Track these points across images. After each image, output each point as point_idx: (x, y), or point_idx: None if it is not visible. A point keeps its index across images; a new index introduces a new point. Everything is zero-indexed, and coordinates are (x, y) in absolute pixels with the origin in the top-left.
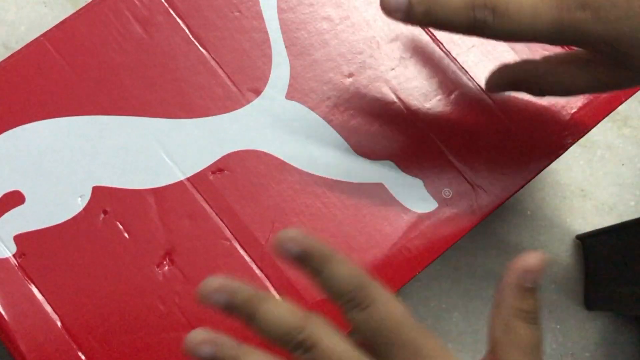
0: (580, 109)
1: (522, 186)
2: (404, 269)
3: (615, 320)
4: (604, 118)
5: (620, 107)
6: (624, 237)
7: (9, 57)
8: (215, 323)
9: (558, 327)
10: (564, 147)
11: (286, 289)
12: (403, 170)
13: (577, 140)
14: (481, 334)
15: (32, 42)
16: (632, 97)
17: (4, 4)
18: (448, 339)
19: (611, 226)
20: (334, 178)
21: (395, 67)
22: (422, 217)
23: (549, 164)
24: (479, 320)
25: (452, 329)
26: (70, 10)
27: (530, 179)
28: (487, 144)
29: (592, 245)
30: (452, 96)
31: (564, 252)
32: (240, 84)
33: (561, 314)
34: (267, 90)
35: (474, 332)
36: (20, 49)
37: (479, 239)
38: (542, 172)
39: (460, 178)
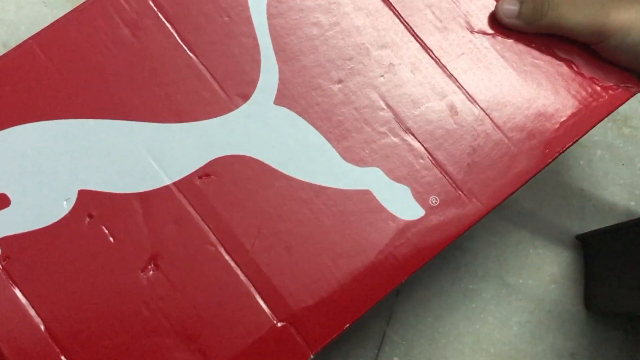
0: (569, 117)
1: (510, 194)
2: (390, 276)
3: (615, 320)
4: (592, 128)
5: (620, 107)
6: (624, 237)
7: None
8: (198, 328)
9: (558, 327)
10: (552, 156)
11: (271, 295)
12: (390, 178)
13: (565, 149)
14: (481, 334)
15: (20, 44)
16: (633, 97)
17: (4, 4)
18: (448, 339)
19: (611, 226)
20: (321, 184)
21: (385, 74)
22: (408, 225)
23: (537, 172)
24: (479, 320)
25: (452, 329)
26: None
27: (519, 187)
28: (476, 151)
29: (592, 245)
30: (441, 103)
31: (564, 252)
32: (229, 89)
33: (561, 314)
34: (256, 96)
35: (474, 331)
36: (8, 52)
37: (479, 239)
38: (542, 172)
39: (447, 186)
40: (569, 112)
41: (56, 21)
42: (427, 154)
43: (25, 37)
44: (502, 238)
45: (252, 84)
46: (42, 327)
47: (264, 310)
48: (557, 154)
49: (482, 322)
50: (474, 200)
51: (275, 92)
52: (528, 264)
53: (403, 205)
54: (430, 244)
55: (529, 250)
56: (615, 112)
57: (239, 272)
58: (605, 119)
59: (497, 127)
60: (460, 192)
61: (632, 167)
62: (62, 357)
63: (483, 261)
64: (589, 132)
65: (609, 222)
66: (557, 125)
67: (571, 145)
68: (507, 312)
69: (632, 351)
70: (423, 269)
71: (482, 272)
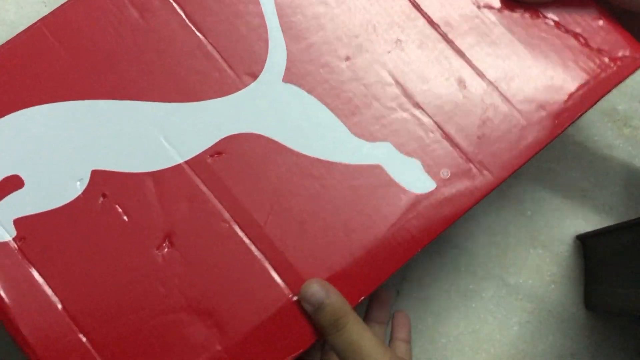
0: (578, 88)
1: (521, 165)
2: (402, 250)
3: (615, 320)
4: (600, 98)
5: (620, 107)
6: (624, 237)
7: (5, 43)
8: (214, 304)
9: (558, 327)
10: (562, 127)
11: (286, 270)
12: (400, 152)
13: (574, 120)
14: (481, 334)
15: (28, 27)
16: (633, 97)
17: (4, 4)
18: (448, 339)
19: (611, 226)
20: (332, 160)
21: (392, 50)
22: (420, 198)
23: (547, 144)
24: (479, 320)
25: (452, 329)
26: None
27: (529, 159)
28: (485, 124)
29: (592, 245)
30: (449, 78)
31: (564, 252)
32: (237, 68)
33: (561, 314)
34: (264, 74)
35: (474, 332)
36: (17, 34)
37: (479, 239)
38: (542, 172)
39: (458, 158)
40: (577, 84)
41: (64, 4)
42: (437, 128)
43: None
44: (502, 238)
45: (260, 62)
46: (60, 306)
47: (279, 285)
48: (566, 125)
49: (482, 322)
50: (485, 172)
51: (283, 70)
52: (528, 264)
53: (414, 179)
54: (442, 217)
55: (529, 250)
56: (615, 112)
57: (252, 247)
58: (605, 119)
59: (506, 99)
60: (471, 165)
61: (632, 167)
62: (80, 335)
63: (483, 261)
64: (589, 133)
65: (609, 222)
66: (566, 97)
67: (580, 116)
68: (507, 312)
69: (632, 351)
70: (423, 269)
71: (482, 272)
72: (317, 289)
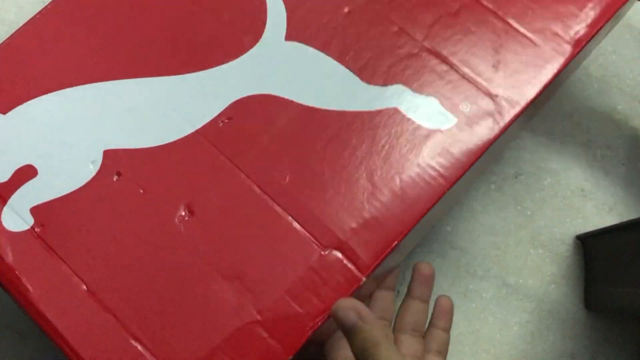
0: (589, 9)
1: (542, 91)
2: (432, 188)
3: (615, 320)
4: (611, 16)
5: (620, 107)
6: (624, 237)
7: (7, 39)
8: (243, 268)
9: (558, 327)
10: (578, 47)
11: (313, 224)
12: (416, 91)
13: (589, 40)
14: (481, 334)
15: (27, 22)
16: (633, 97)
17: (4, 4)
18: None
19: (611, 226)
20: (347, 109)
21: None
22: (442, 134)
23: (565, 66)
24: (479, 320)
25: (452, 329)
26: None
27: (548, 84)
28: (499, 52)
29: (592, 245)
30: (455, 12)
31: (564, 252)
32: (238, 33)
33: (561, 314)
34: (266, 36)
35: (474, 332)
36: (19, 27)
37: (479, 239)
38: (542, 172)
39: (476, 90)
40: (587, 4)
41: None
42: (450, 62)
43: None
44: (502, 238)
45: (260, 24)
46: (84, 288)
47: (308, 240)
48: (582, 46)
49: (482, 322)
50: (505, 101)
51: (284, 29)
52: (528, 264)
53: (434, 116)
54: (468, 150)
55: (529, 250)
56: (615, 111)
57: (275, 206)
58: (605, 119)
59: (517, 26)
60: (490, 94)
61: (632, 167)
62: (108, 315)
63: (483, 261)
64: (589, 133)
65: (609, 222)
66: (579, 18)
67: (594, 35)
68: (507, 312)
69: (632, 351)
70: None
71: (482, 272)
72: (347, 312)
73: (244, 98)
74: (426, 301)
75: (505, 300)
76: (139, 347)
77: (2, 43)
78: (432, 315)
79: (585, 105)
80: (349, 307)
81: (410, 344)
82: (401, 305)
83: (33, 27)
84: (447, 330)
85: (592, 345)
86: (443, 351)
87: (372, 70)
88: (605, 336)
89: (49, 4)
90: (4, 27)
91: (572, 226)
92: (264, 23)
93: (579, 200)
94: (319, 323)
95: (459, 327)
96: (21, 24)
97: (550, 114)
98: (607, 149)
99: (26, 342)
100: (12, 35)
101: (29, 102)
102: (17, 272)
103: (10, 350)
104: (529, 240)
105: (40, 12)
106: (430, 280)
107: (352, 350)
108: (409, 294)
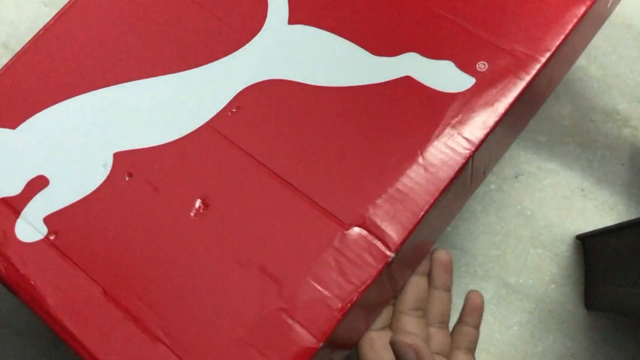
0: None
1: (562, 42)
2: (457, 153)
3: (615, 320)
4: None
5: (620, 107)
6: (624, 237)
7: (14, 57)
8: (264, 257)
9: (558, 327)
10: None
11: (333, 203)
12: (429, 57)
13: None
14: (481, 334)
15: (32, 39)
16: (633, 97)
17: (4, 4)
18: None
19: (611, 226)
20: (359, 84)
21: None
22: (461, 96)
23: (584, 14)
24: None
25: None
26: None
27: (568, 34)
28: (507, 5)
29: (592, 245)
30: None
31: (564, 252)
32: (240, 23)
33: (561, 314)
34: (269, 21)
35: None
36: (24, 46)
37: (479, 239)
38: (542, 172)
39: (491, 47)
40: None
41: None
42: (460, 22)
43: (25, 37)
44: (502, 238)
45: (261, 11)
46: (101, 292)
47: (328, 220)
48: None
49: (482, 322)
50: (523, 54)
51: (287, 13)
52: (528, 264)
53: (450, 80)
54: (491, 110)
55: (529, 250)
56: (615, 112)
57: (291, 190)
58: (606, 119)
59: None
60: (505, 49)
61: (632, 167)
62: (127, 317)
63: (483, 261)
64: (589, 133)
65: (609, 222)
66: None
67: None
68: (507, 312)
69: (633, 351)
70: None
71: (482, 272)
72: (405, 349)
73: (252, 85)
74: (449, 289)
75: (505, 300)
76: (162, 348)
77: (9, 62)
78: (463, 311)
79: (585, 105)
80: (408, 343)
81: (439, 338)
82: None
83: (36, 44)
84: (477, 327)
85: (592, 345)
86: (472, 349)
87: (380, 41)
88: (605, 336)
89: (51, 19)
90: (4, 27)
91: (572, 226)
92: (266, 9)
93: (579, 200)
94: (348, 305)
95: None
96: (21, 24)
97: (550, 114)
98: (607, 149)
99: (26, 342)
100: (17, 54)
101: (36, 115)
102: (32, 282)
103: (10, 350)
104: (529, 240)
105: (43, 28)
106: (449, 267)
107: None
108: (431, 283)
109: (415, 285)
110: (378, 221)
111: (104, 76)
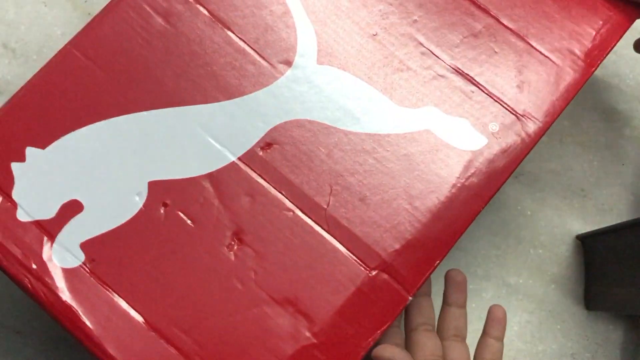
0: (601, 27)
1: (564, 108)
2: (468, 207)
3: (615, 320)
4: (623, 34)
5: (620, 107)
6: (624, 237)
7: (39, 72)
8: (294, 292)
9: (558, 327)
10: (593, 65)
11: (358, 247)
12: (447, 113)
13: (604, 57)
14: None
15: (59, 52)
16: (633, 97)
17: (4, 3)
18: None
19: (611, 226)
20: (380, 132)
21: (418, 18)
22: (474, 155)
23: (584, 83)
24: (479, 320)
25: None
26: (70, 10)
27: (570, 100)
28: (522, 72)
29: (592, 245)
30: (478, 32)
31: (564, 252)
32: (271, 58)
33: (561, 314)
34: (298, 60)
35: (474, 332)
36: (49, 60)
37: (480, 239)
38: (542, 172)
39: (503, 109)
40: (600, 24)
41: (90, 22)
42: (476, 83)
43: (25, 37)
44: (502, 238)
45: (292, 49)
46: (142, 321)
47: (354, 263)
48: (597, 64)
49: (483, 322)
50: (531, 119)
51: (316, 52)
52: (528, 264)
53: (465, 137)
54: (500, 169)
55: (529, 250)
56: (615, 112)
57: (320, 230)
58: (606, 119)
59: (537, 46)
60: (516, 113)
61: (632, 167)
62: (168, 346)
63: (483, 261)
64: (589, 133)
65: (609, 222)
66: (592, 36)
67: (609, 52)
68: (507, 312)
69: (632, 351)
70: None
71: (482, 272)
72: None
73: (281, 124)
74: (463, 306)
75: (505, 300)
76: None
77: (33, 77)
78: (486, 324)
79: (585, 105)
80: (386, 357)
81: (456, 350)
82: (440, 313)
83: (62, 59)
84: (501, 339)
85: (592, 345)
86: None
87: (402, 93)
88: (605, 336)
89: (77, 33)
90: (4, 27)
91: (572, 226)
92: (295, 48)
93: (579, 200)
94: (371, 343)
95: None
96: (20, 24)
97: None
98: (607, 149)
99: (25, 342)
100: (40, 70)
101: (66, 135)
102: (74, 309)
103: (10, 350)
104: (529, 240)
105: (69, 43)
106: (463, 286)
107: None
108: (445, 301)
109: (417, 304)
110: (399, 267)
111: (135, 100)
